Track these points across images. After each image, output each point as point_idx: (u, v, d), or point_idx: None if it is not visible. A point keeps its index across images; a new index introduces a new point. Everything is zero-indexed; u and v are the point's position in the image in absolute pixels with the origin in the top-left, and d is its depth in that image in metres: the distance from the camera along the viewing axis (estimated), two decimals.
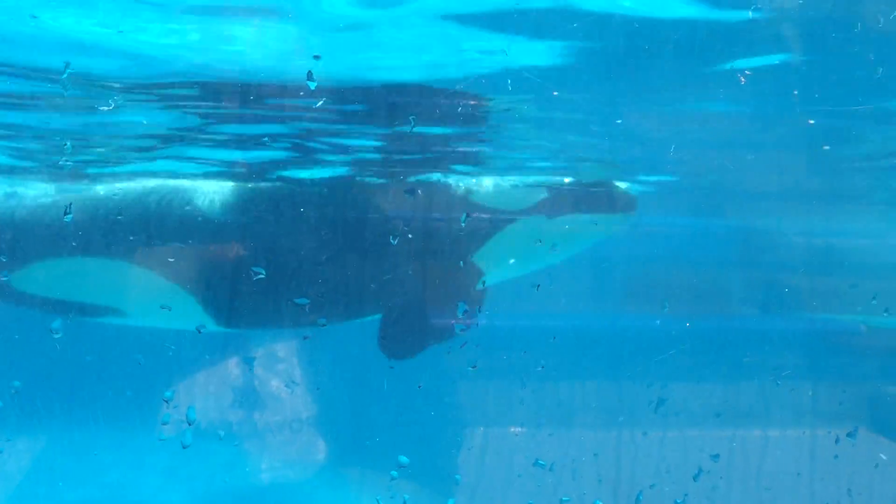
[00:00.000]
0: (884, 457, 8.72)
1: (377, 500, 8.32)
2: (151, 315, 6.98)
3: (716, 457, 8.67)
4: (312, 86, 4.76)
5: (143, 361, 8.83)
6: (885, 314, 9.90)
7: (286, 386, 9.66)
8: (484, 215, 6.54)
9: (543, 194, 6.63)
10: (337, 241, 6.49)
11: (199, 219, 6.53)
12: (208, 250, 6.50)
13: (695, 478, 8.13)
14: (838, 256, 10.34)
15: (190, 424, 8.93)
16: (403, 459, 7.91)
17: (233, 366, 9.69)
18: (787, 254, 10.01)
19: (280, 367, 9.77)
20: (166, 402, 9.16)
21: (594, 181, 7.31)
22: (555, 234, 6.67)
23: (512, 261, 6.74)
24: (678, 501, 8.43)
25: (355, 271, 6.43)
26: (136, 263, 6.39)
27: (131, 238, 6.45)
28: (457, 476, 8.75)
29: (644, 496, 8.40)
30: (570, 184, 7.19)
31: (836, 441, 9.20)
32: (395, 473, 8.26)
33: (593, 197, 6.80)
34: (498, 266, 6.65)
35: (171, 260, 6.40)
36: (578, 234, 6.83)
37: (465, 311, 6.25)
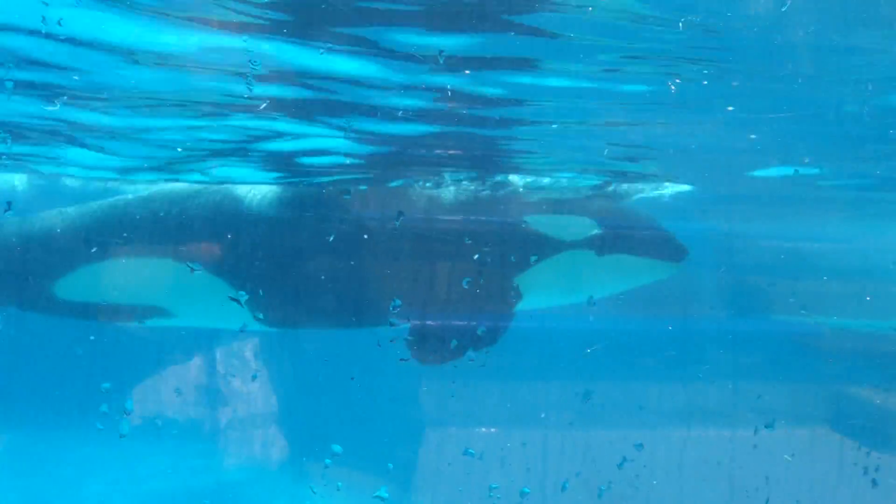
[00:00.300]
0: (788, 458, 9.15)
1: (311, 489, 8.50)
2: (198, 315, 6.93)
3: (640, 445, 8.98)
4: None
5: (98, 358, 8.79)
6: (851, 317, 10.24)
7: (246, 383, 9.69)
8: (536, 240, 6.56)
9: (596, 230, 6.58)
10: (380, 245, 6.50)
11: (247, 217, 6.55)
12: (254, 248, 6.51)
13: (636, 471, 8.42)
14: (808, 260, 10.63)
15: (126, 415, 8.95)
16: (336, 448, 8.04)
17: (194, 364, 9.71)
18: (757, 257, 10.24)
19: (237, 363, 9.80)
20: (113, 397, 9.14)
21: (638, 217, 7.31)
22: (601, 272, 6.64)
23: (552, 290, 6.76)
24: (602, 488, 8.75)
25: (398, 277, 6.45)
26: (184, 262, 6.32)
27: (180, 237, 6.44)
28: (389, 464, 8.93)
29: (570, 484, 8.71)
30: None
31: (755, 431, 9.60)
32: (328, 462, 8.44)
33: (646, 240, 6.73)
34: (537, 292, 6.62)
35: (219, 258, 6.37)
36: (624, 275, 6.81)
37: (490, 330, 6.31)
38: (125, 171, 7.72)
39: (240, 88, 5.29)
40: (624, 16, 4.22)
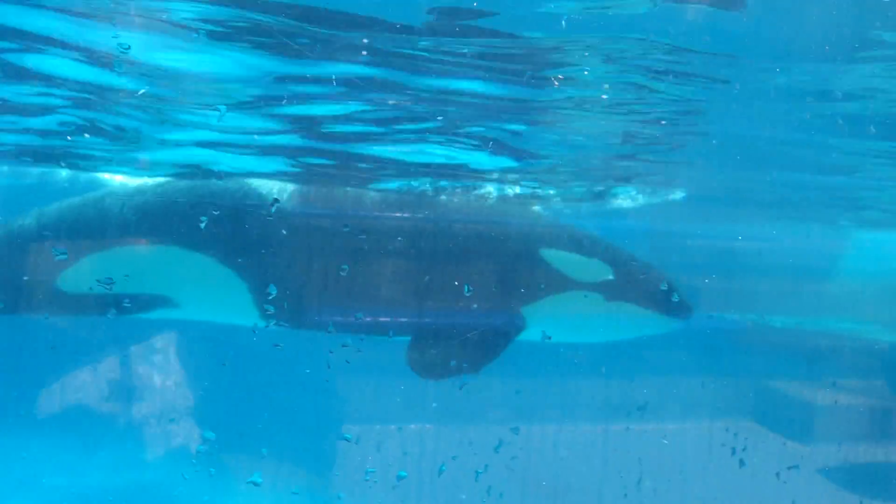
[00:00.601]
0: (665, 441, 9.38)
1: (183, 476, 8.38)
2: (204, 306, 6.76)
3: (515, 429, 9.12)
4: None
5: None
6: (774, 314, 10.48)
7: (159, 378, 9.49)
8: (549, 274, 6.61)
9: (610, 275, 6.65)
10: (393, 251, 6.47)
11: (269, 216, 6.41)
12: (272, 246, 6.41)
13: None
14: (737, 258, 10.91)
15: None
16: (209, 435, 7.94)
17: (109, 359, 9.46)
18: (689, 255, 10.49)
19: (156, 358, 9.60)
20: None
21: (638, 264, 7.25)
22: (605, 317, 6.73)
23: (555, 326, 6.78)
24: (479, 472, 8.86)
25: (406, 286, 6.46)
26: (197, 252, 6.21)
27: (194, 227, 6.24)
28: (263, 449, 8.87)
29: (447, 467, 8.79)
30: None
31: (629, 414, 9.82)
32: (200, 448, 8.33)
33: (655, 294, 6.77)
34: (540, 325, 6.67)
35: (233, 252, 6.27)
36: (627, 324, 6.87)
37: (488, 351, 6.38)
38: None
39: None
40: None
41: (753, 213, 10.72)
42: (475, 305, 6.39)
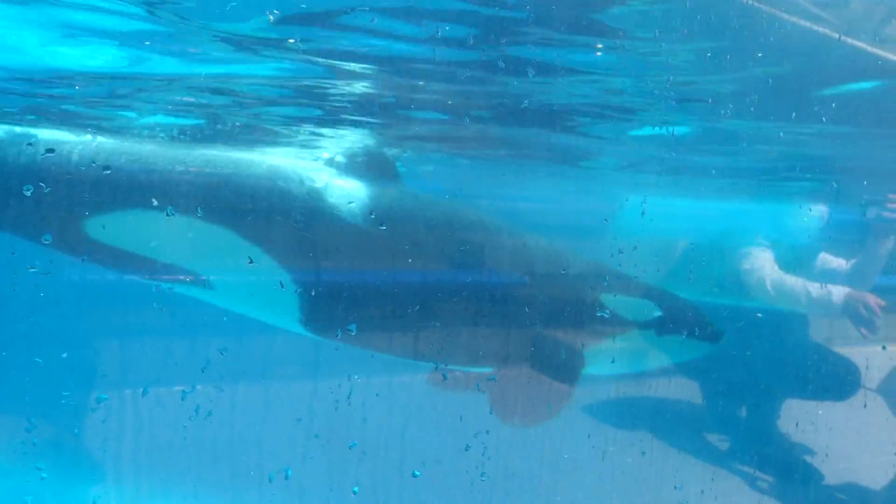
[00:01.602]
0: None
1: None
2: (238, 296, 6.55)
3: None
4: None
5: None
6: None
7: None
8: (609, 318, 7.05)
9: (657, 312, 7.23)
10: (452, 272, 6.61)
11: (322, 211, 6.20)
12: (321, 245, 6.25)
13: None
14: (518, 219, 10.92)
15: None
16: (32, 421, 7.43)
17: None
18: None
19: None
20: None
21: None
22: (658, 350, 7.37)
23: (614, 363, 7.31)
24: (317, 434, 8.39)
25: (467, 312, 6.51)
26: (240, 235, 6.05)
27: (238, 207, 6.10)
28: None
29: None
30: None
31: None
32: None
33: (693, 324, 7.33)
34: (602, 363, 7.16)
35: (279, 243, 6.15)
36: (675, 352, 7.51)
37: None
38: None
39: None
40: None
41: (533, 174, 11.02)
42: (546, 349, 6.81)
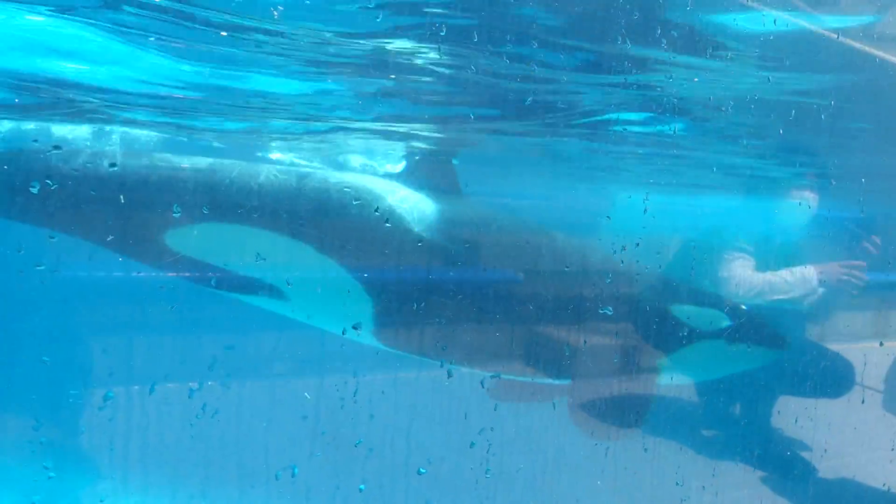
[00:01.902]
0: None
1: None
2: (311, 308, 6.55)
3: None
4: None
5: None
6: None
7: None
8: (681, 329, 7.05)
9: (727, 322, 7.20)
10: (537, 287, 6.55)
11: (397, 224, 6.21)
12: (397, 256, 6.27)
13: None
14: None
15: None
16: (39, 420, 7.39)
17: None
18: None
19: None
20: None
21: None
22: (728, 358, 7.35)
23: (686, 372, 7.44)
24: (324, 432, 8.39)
25: (543, 325, 6.55)
26: (317, 249, 6.07)
27: (315, 222, 6.11)
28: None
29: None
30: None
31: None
32: None
33: (760, 331, 7.40)
34: (676, 373, 7.28)
35: (352, 255, 6.14)
36: (744, 362, 7.48)
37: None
38: None
39: None
40: None
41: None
42: (623, 362, 6.89)
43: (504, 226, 7.02)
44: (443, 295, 6.27)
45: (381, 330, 6.39)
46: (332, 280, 6.20)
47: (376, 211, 6.29)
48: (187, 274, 6.22)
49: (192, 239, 6.04)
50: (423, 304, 6.28)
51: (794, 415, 8.63)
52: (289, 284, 6.28)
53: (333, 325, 6.78)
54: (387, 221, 6.26)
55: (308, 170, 6.78)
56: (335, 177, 6.61)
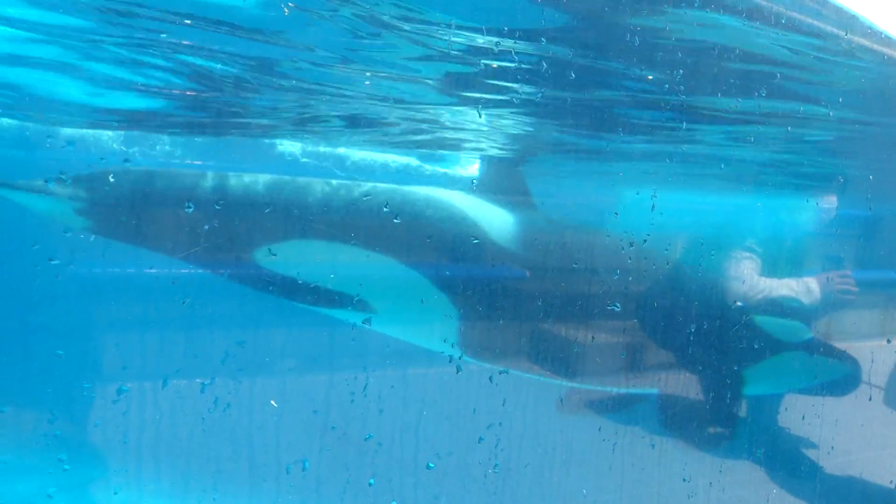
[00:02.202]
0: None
1: None
2: (398, 321, 6.60)
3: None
4: None
5: None
6: None
7: None
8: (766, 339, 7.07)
9: (809, 334, 7.26)
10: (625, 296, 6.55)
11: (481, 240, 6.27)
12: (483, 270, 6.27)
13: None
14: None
15: None
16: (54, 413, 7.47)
17: None
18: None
19: None
20: None
21: None
22: (809, 370, 7.39)
23: (770, 383, 7.44)
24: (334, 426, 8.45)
25: (628, 336, 6.57)
26: (401, 262, 6.14)
27: (401, 237, 6.19)
28: None
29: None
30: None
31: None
32: None
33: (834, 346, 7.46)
34: (761, 384, 7.30)
35: (436, 269, 6.20)
36: (823, 374, 7.49)
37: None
38: None
39: None
40: None
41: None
42: (709, 373, 6.98)
43: (585, 238, 7.00)
44: (531, 307, 6.38)
45: (468, 343, 6.46)
46: (419, 293, 6.26)
47: (461, 224, 6.36)
48: (273, 290, 6.40)
49: (281, 255, 6.07)
50: (509, 317, 6.38)
51: (800, 412, 8.64)
52: (374, 299, 6.29)
53: (419, 339, 6.94)
54: (474, 237, 6.32)
55: (394, 187, 6.83)
56: (418, 193, 6.65)
